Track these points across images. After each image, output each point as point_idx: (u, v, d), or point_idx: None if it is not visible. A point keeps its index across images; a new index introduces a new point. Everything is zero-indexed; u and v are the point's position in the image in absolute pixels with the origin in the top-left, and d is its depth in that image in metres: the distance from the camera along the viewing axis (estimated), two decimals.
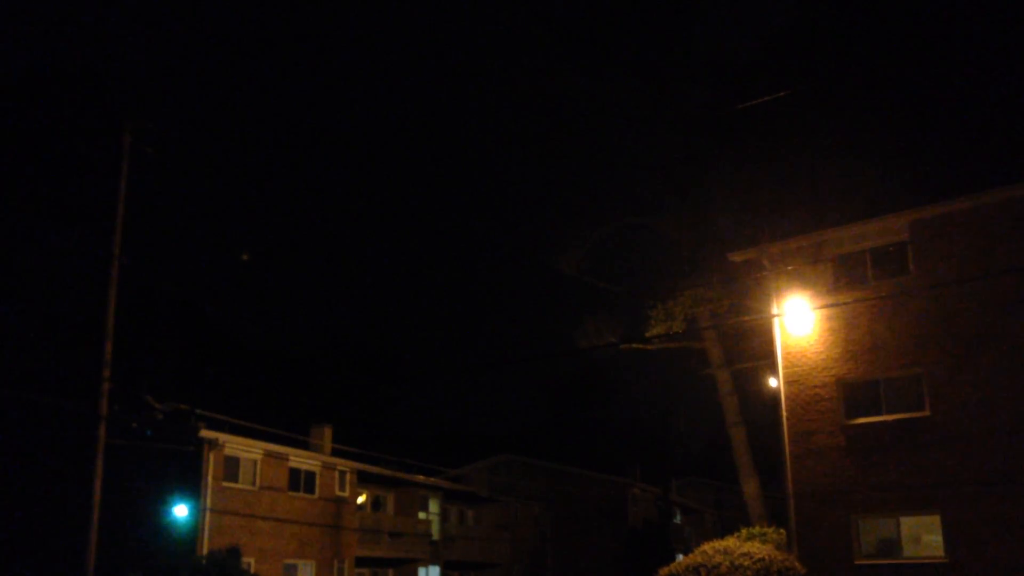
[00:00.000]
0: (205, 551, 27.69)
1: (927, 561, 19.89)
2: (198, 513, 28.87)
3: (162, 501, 28.88)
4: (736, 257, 24.19)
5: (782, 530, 22.19)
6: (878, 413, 21.09)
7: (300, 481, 34.03)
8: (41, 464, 31.07)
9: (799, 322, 22.42)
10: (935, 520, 19.95)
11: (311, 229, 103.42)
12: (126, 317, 21.27)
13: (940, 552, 19.74)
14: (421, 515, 42.43)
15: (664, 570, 19.81)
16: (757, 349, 26.52)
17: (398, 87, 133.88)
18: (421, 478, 42.19)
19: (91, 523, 19.02)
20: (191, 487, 29.13)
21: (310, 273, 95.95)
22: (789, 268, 22.74)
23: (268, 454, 32.36)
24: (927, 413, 20.33)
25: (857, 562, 20.63)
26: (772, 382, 23.65)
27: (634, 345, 29.42)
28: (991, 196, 20.39)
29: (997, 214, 20.30)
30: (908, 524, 20.49)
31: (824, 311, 22.00)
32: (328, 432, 37.55)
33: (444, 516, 44.27)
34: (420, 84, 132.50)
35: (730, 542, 20.53)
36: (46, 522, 29.89)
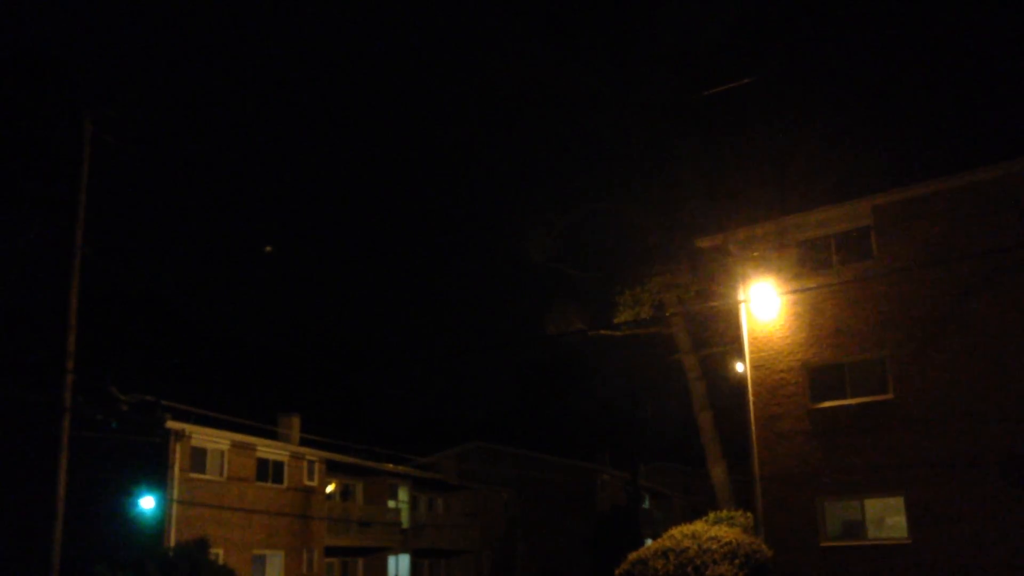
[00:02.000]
0: (172, 543, 27.49)
1: (891, 542, 20.14)
2: (165, 505, 28.66)
3: (128, 493, 28.61)
4: (703, 243, 24.29)
5: (749, 514, 22.35)
6: (843, 397, 21.29)
7: (268, 471, 33.87)
8: (4, 457, 30.69)
9: (765, 307, 22.56)
10: (899, 502, 20.20)
11: (277, 219, 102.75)
12: (89, 308, 21.02)
13: (904, 533, 19.99)
14: (390, 503, 42.39)
15: (633, 555, 19.88)
16: (724, 334, 26.64)
17: (363, 73, 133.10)
18: (390, 467, 42.12)
19: (56, 516, 18.81)
20: (158, 479, 28.90)
21: (277, 262, 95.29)
22: (755, 254, 22.86)
23: (235, 444, 32.16)
24: (891, 396, 20.54)
25: (823, 544, 20.86)
26: (739, 367, 23.78)
27: (602, 331, 29.45)
28: (953, 181, 20.59)
29: (959, 199, 20.50)
30: (873, 506, 20.73)
31: (790, 296, 22.15)
32: (296, 421, 37.36)
33: (413, 504, 44.26)
34: (384, 69, 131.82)
35: (698, 526, 20.65)
36: (10, 516, 29.55)
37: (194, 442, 30.25)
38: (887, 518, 20.53)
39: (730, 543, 19.20)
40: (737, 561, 18.75)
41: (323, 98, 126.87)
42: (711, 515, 22.51)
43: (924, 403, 20.07)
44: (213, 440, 31.14)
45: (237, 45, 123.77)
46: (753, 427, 22.23)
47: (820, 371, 21.73)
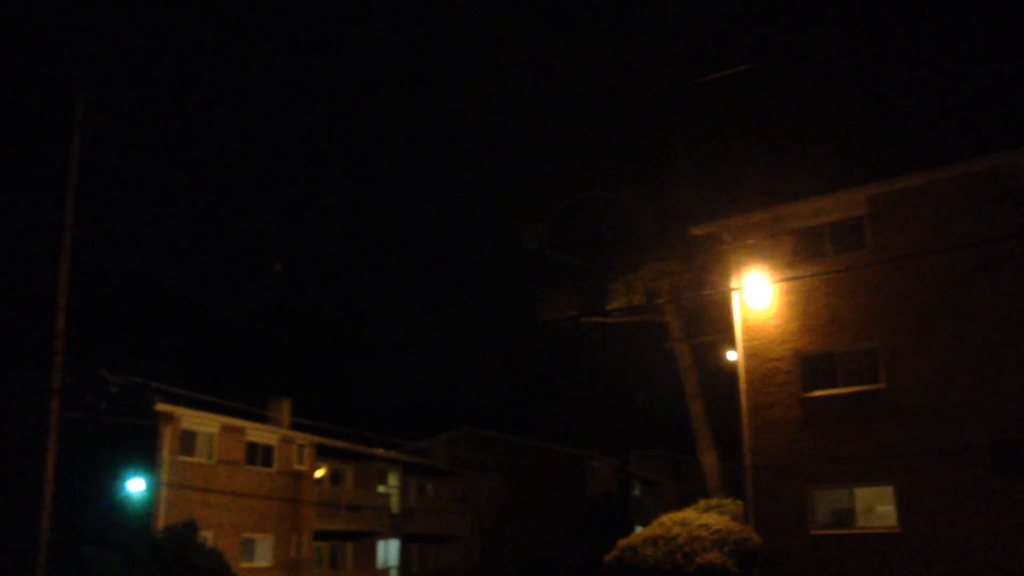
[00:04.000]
0: (161, 525, 27.43)
1: (881, 531, 20.19)
2: (154, 487, 28.60)
3: (117, 476, 28.55)
4: (697, 231, 24.25)
5: (739, 501, 22.39)
6: (834, 386, 21.29)
7: (258, 455, 33.81)
8: None
9: (758, 296, 22.54)
10: (888, 491, 20.23)
11: (269, 201, 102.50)
12: (79, 288, 20.89)
13: (893, 522, 20.03)
14: (380, 488, 42.39)
15: (623, 541, 19.91)
16: (717, 323, 26.65)
17: (355, 55, 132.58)
18: (380, 451, 42.10)
19: (44, 499, 18.76)
20: (147, 461, 28.83)
21: (268, 245, 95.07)
22: (749, 242, 22.82)
23: (225, 428, 32.09)
24: (882, 386, 20.56)
25: (812, 532, 20.88)
26: (731, 355, 23.78)
27: (595, 318, 29.46)
28: (947, 172, 20.58)
29: (952, 189, 20.50)
30: (862, 495, 20.76)
31: (783, 285, 22.13)
32: (286, 405, 37.29)
33: (403, 489, 44.26)
34: (376, 51, 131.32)
35: (688, 513, 20.69)
36: None
37: (184, 425, 30.16)
38: (877, 507, 20.57)
39: (720, 530, 19.24)
40: (727, 548, 18.81)
41: (314, 77, 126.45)
42: (701, 503, 22.58)
43: (915, 393, 20.09)
44: (203, 423, 31.06)
45: (224, 24, 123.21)
46: (744, 415, 22.24)
47: (812, 360, 21.72)
